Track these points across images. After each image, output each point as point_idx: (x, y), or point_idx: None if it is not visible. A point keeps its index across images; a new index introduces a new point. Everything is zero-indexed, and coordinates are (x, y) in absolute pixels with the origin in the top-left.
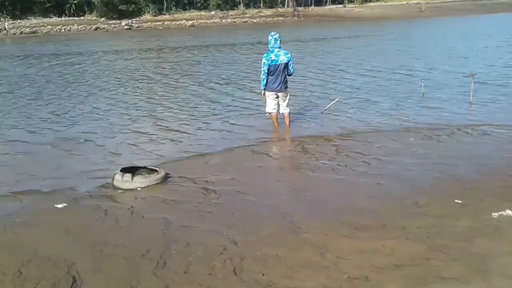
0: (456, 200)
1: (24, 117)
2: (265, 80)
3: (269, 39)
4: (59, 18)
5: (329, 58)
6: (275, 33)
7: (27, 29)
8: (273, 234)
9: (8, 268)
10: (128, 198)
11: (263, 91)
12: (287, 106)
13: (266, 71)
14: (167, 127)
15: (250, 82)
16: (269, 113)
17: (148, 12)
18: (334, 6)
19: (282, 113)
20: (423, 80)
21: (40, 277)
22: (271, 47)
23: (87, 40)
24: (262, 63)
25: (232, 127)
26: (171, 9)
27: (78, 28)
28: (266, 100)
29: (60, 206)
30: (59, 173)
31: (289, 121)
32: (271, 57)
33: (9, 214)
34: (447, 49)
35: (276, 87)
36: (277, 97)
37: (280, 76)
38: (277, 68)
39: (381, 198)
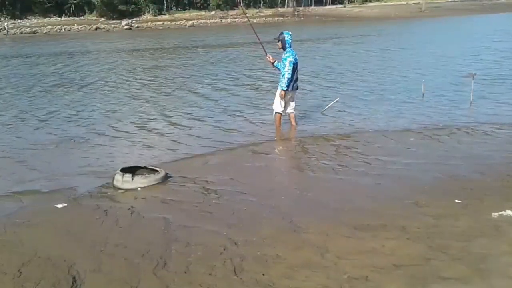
0: (456, 200)
1: (23, 117)
2: (290, 81)
3: (287, 38)
4: (59, 18)
5: (329, 58)
6: (288, 32)
7: (27, 29)
8: (273, 234)
9: (8, 268)
10: (128, 198)
11: (284, 92)
12: None
13: (292, 71)
14: (167, 127)
15: (250, 82)
16: (278, 112)
17: (148, 12)
18: (334, 6)
19: (289, 113)
20: (423, 80)
21: (40, 277)
22: (289, 46)
23: (87, 40)
24: (288, 62)
25: (232, 127)
26: (171, 9)
27: (78, 28)
28: (279, 100)
29: (60, 206)
30: (59, 173)
31: (295, 121)
32: (295, 56)
33: (9, 214)
34: (447, 49)
35: (294, 86)
36: (291, 96)
37: (296, 75)
38: (297, 66)
39: (381, 198)
